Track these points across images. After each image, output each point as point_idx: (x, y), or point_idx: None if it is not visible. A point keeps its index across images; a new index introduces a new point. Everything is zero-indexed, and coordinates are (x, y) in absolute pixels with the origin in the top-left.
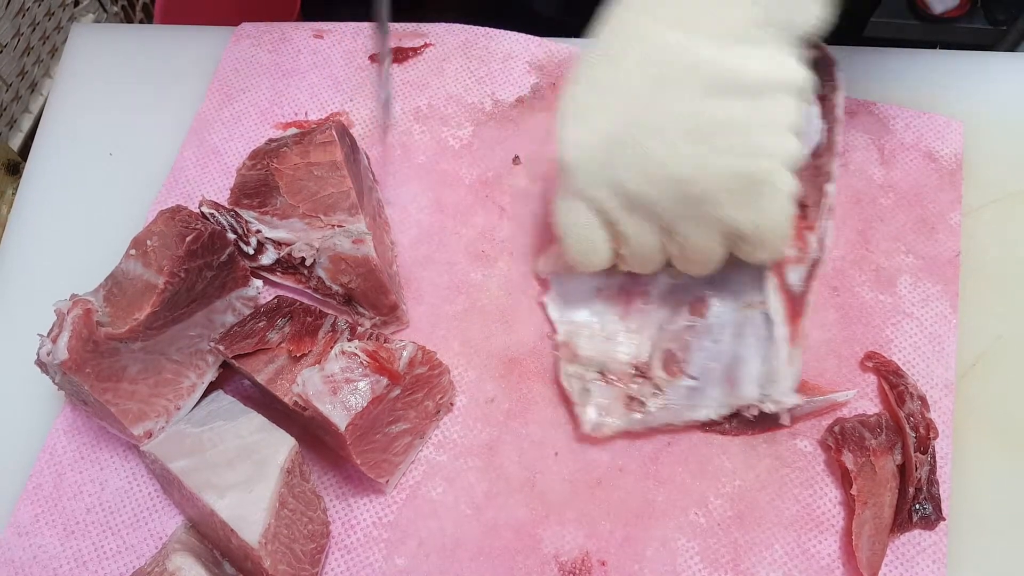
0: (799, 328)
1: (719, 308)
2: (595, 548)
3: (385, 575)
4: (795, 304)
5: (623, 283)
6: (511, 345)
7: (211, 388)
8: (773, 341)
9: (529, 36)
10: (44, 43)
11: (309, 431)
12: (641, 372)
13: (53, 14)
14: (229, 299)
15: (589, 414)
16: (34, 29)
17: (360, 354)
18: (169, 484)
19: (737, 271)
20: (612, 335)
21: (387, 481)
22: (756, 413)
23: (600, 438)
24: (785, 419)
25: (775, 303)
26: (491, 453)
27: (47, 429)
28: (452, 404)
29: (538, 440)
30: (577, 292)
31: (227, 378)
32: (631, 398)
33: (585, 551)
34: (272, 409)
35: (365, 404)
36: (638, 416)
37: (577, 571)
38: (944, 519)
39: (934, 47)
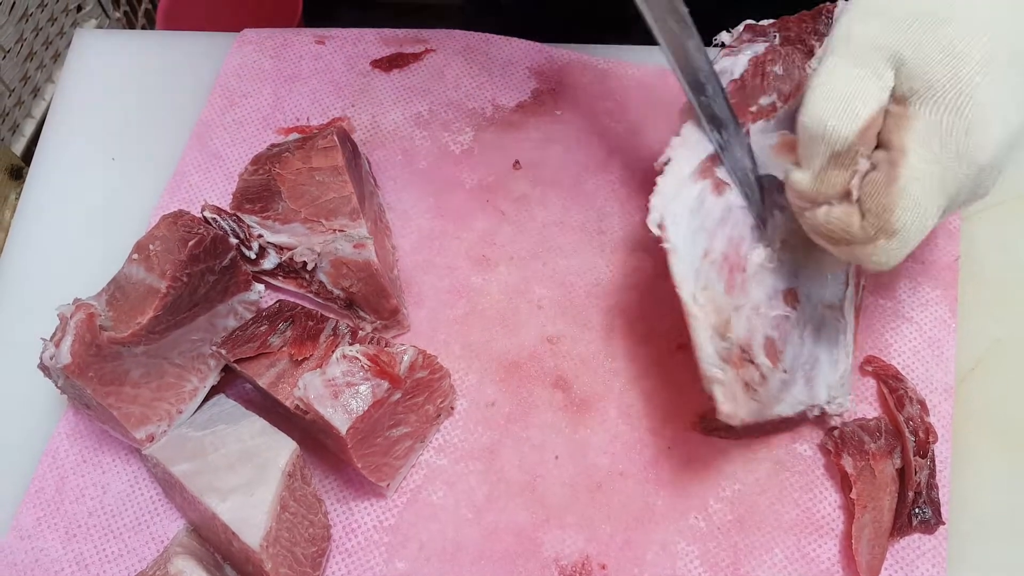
0: (857, 336)
1: (804, 304)
2: (595, 552)
3: None
4: (856, 312)
5: (726, 250)
6: (511, 349)
7: (213, 392)
8: (846, 346)
9: (529, 42)
10: (47, 48)
11: (310, 435)
12: (749, 356)
13: (56, 20)
14: (231, 303)
15: (728, 398)
16: (37, 34)
17: (361, 358)
18: (171, 488)
19: (821, 269)
20: (722, 309)
21: (388, 485)
22: (817, 415)
23: (732, 424)
24: (837, 422)
25: (848, 308)
26: (492, 457)
27: (49, 433)
28: (453, 408)
29: (538, 444)
30: (690, 253)
31: (229, 382)
32: (747, 384)
33: (585, 555)
34: (274, 413)
35: (366, 408)
36: (755, 406)
37: (577, 575)
38: (944, 523)
39: None
